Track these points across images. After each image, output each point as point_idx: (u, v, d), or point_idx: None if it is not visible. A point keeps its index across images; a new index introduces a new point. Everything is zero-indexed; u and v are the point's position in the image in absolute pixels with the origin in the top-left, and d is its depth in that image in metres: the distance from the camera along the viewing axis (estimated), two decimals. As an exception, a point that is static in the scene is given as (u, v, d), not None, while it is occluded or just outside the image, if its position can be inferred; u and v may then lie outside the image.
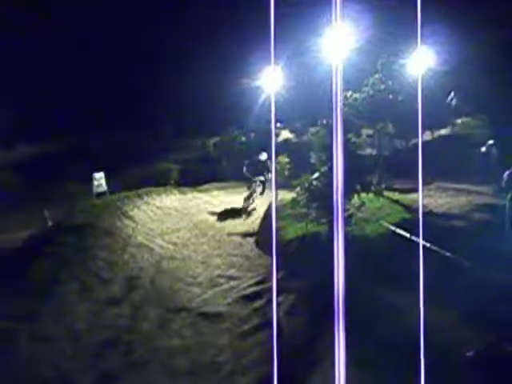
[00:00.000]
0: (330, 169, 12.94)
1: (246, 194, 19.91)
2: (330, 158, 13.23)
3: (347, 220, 13.18)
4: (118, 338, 10.90)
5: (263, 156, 20.76)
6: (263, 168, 20.40)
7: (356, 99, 16.45)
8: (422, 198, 14.42)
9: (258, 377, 8.74)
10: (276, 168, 19.54)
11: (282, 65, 21.13)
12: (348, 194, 13.38)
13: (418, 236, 8.64)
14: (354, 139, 14.22)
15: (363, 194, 14.19)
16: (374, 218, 13.62)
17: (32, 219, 19.35)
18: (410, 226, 11.66)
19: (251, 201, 19.82)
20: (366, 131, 20.64)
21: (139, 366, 10.01)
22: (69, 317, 11.40)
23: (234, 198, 21.16)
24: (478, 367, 6.84)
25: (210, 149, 29.17)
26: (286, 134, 28.06)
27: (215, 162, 26.30)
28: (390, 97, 16.59)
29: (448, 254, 7.70)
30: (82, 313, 11.72)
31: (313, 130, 18.33)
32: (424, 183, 15.48)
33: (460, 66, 19.76)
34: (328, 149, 13.41)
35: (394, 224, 11.81)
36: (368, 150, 18.53)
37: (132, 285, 13.49)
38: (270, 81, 23.29)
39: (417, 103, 11.46)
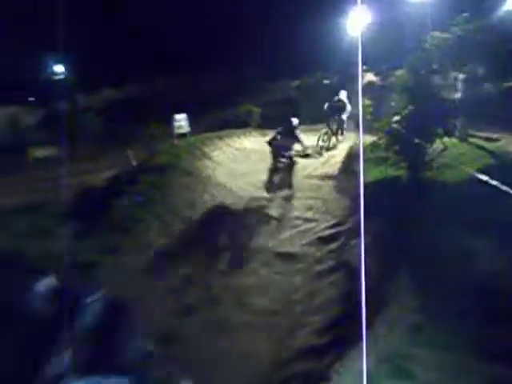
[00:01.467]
0: (412, 112, 12.61)
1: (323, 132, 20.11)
2: (411, 101, 12.88)
3: (428, 165, 12.89)
4: (196, 273, 11.24)
5: (342, 94, 20.70)
6: (340, 107, 20.44)
7: (443, 40, 15.70)
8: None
9: (331, 317, 8.84)
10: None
11: (367, 5, 20.56)
12: (430, 138, 13.02)
13: (502, 183, 8.33)
14: (438, 81, 13.69)
15: (446, 139, 13.77)
16: (456, 164, 13.20)
17: (116, 160, 19.99)
18: (494, 172, 11.22)
19: (326, 140, 20.02)
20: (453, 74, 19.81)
21: (216, 302, 10.32)
22: (149, 252, 11.84)
23: (314, 142, 21.05)
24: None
25: (293, 91, 28.97)
26: (370, 77, 27.35)
27: (297, 105, 26.08)
28: (479, 37, 15.73)
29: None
30: (161, 247, 12.16)
31: (398, 72, 17.74)
32: (512, 129, 14.85)
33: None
34: (410, 91, 13.05)
35: (477, 170, 11.39)
36: (454, 94, 17.79)
37: (210, 224, 13.81)
38: (355, 22, 22.72)
39: (510, 43, 10.87)
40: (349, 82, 23.92)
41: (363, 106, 18.97)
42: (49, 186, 16.31)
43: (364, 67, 26.83)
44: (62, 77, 32.95)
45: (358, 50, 7.63)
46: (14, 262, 10.88)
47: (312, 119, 23.31)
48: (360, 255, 7.55)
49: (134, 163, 18.64)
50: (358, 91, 20.36)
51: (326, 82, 29.15)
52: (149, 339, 8.78)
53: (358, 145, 16.97)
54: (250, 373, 7.80)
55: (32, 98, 30.92)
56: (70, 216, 13.62)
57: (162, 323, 9.46)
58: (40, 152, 23.40)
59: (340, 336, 7.86)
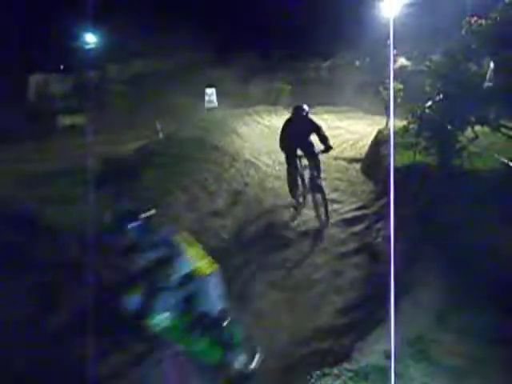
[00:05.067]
0: (445, 98, 12.45)
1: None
2: (446, 87, 12.71)
3: (458, 152, 12.73)
4: (219, 246, 11.30)
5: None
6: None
7: (481, 25, 15.35)
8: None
9: (352, 297, 8.86)
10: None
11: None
12: (462, 125, 12.85)
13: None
14: (474, 68, 13.45)
15: (478, 127, 13.57)
16: (486, 153, 13.01)
17: (144, 131, 20.13)
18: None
19: None
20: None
21: (242, 276, 10.37)
22: (175, 224, 11.91)
23: (344, 123, 21.02)
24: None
25: (323, 71, 28.91)
26: (402, 61, 27.09)
27: (327, 85, 26.03)
28: (516, 24, 15.34)
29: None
30: (188, 221, 12.27)
31: (434, 57, 17.51)
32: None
33: None
34: (445, 76, 12.86)
35: (508, 160, 11.25)
36: (488, 82, 17.51)
37: (236, 199, 13.91)
38: (389, 4, 22.43)
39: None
40: (380, 64, 23.77)
41: (395, 90, 18.83)
42: (76, 154, 16.51)
43: (395, 51, 26.55)
44: (93, 46, 33.08)
45: (390, 33, 7.56)
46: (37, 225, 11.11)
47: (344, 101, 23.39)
48: (389, 236, 7.56)
49: (162, 135, 18.76)
50: (389, 75, 20.17)
51: (356, 63, 29.00)
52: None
53: (388, 129, 16.86)
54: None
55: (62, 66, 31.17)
56: (96, 184, 13.79)
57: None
58: (69, 120, 23.66)
59: (361, 317, 7.89)
